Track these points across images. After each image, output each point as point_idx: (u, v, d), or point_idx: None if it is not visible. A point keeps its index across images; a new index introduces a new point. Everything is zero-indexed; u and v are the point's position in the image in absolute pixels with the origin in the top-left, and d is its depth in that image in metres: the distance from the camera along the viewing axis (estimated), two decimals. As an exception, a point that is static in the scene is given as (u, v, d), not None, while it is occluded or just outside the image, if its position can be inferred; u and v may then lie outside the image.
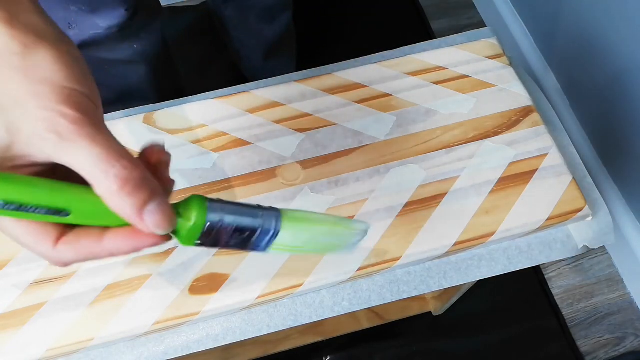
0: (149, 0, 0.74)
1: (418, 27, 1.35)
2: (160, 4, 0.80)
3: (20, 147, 0.24)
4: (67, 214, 0.25)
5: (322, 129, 0.54)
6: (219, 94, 0.57)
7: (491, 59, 0.58)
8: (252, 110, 0.55)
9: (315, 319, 0.48)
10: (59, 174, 0.26)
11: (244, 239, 0.29)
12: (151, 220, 0.24)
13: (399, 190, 0.51)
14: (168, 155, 0.29)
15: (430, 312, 0.98)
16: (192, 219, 0.27)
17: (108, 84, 0.80)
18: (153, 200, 0.24)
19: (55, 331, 0.45)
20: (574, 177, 0.51)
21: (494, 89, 0.56)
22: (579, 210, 0.49)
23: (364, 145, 0.53)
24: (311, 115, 0.54)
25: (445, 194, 0.50)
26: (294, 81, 0.56)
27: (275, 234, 0.30)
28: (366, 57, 0.59)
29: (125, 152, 0.24)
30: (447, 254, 0.49)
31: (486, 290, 1.02)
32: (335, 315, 0.48)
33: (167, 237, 0.27)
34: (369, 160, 0.52)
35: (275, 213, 0.30)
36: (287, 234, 0.30)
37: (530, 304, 1.04)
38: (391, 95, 0.56)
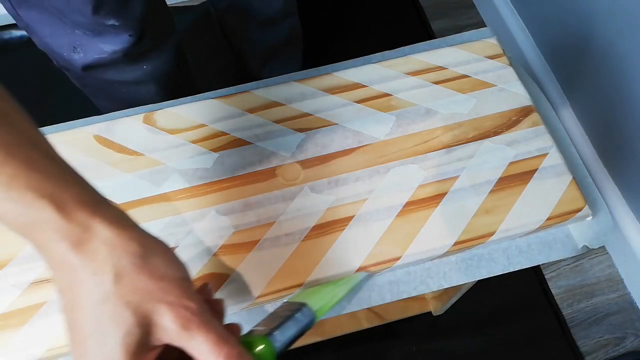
0: (157, 23, 0.72)
1: (418, 27, 1.35)
2: (173, 23, 0.76)
3: (155, 337, 0.29)
4: None
5: (322, 129, 0.54)
6: (219, 94, 0.57)
7: (491, 59, 0.58)
8: (252, 110, 0.55)
9: (315, 319, 0.48)
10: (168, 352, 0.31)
11: (296, 338, 0.37)
12: None
13: (399, 190, 0.51)
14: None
15: (430, 312, 0.98)
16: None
17: (119, 99, 0.78)
18: None
19: (55, 331, 0.45)
20: (574, 177, 0.51)
21: (494, 89, 0.56)
22: (579, 210, 0.49)
23: (364, 145, 0.53)
24: (311, 115, 0.54)
25: (445, 194, 0.50)
26: (294, 81, 0.56)
27: (314, 320, 0.39)
28: (366, 57, 0.59)
29: (226, 333, 0.30)
30: (447, 254, 0.49)
31: (486, 290, 1.02)
32: (335, 315, 0.48)
33: None
34: (369, 160, 0.52)
35: (310, 313, 0.39)
36: (321, 313, 0.41)
37: (530, 304, 1.04)
38: (391, 95, 0.56)
